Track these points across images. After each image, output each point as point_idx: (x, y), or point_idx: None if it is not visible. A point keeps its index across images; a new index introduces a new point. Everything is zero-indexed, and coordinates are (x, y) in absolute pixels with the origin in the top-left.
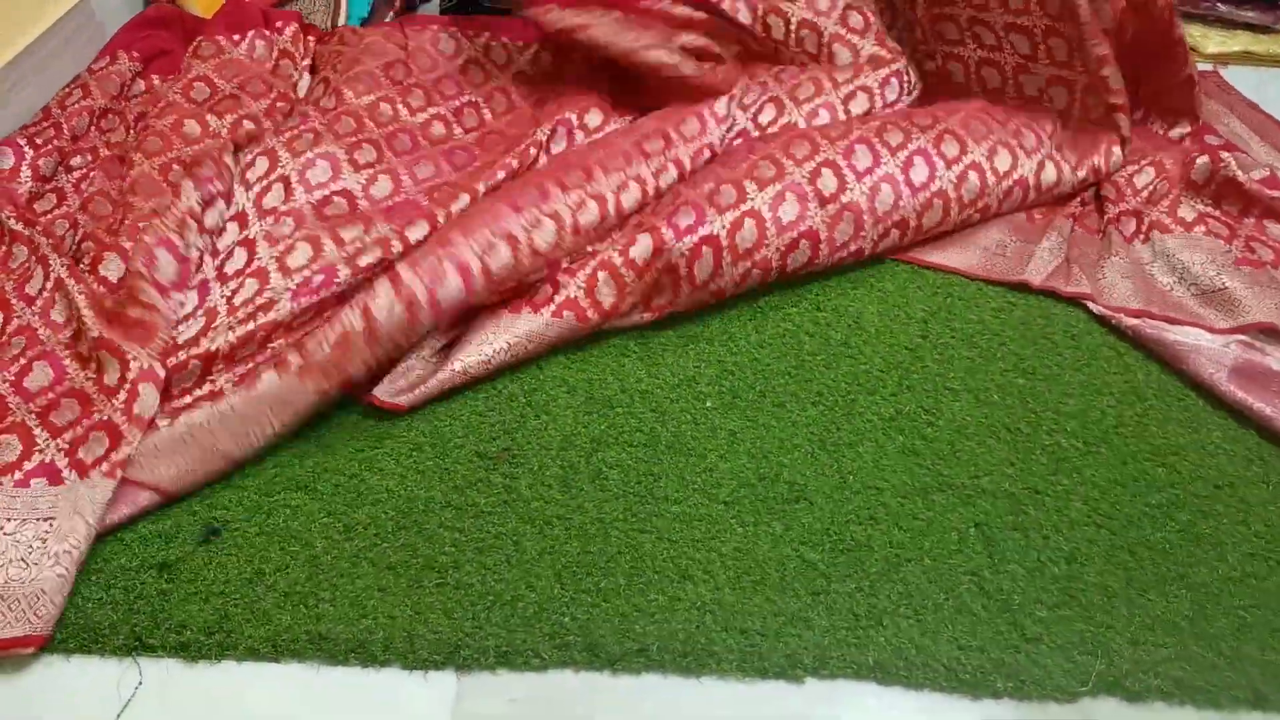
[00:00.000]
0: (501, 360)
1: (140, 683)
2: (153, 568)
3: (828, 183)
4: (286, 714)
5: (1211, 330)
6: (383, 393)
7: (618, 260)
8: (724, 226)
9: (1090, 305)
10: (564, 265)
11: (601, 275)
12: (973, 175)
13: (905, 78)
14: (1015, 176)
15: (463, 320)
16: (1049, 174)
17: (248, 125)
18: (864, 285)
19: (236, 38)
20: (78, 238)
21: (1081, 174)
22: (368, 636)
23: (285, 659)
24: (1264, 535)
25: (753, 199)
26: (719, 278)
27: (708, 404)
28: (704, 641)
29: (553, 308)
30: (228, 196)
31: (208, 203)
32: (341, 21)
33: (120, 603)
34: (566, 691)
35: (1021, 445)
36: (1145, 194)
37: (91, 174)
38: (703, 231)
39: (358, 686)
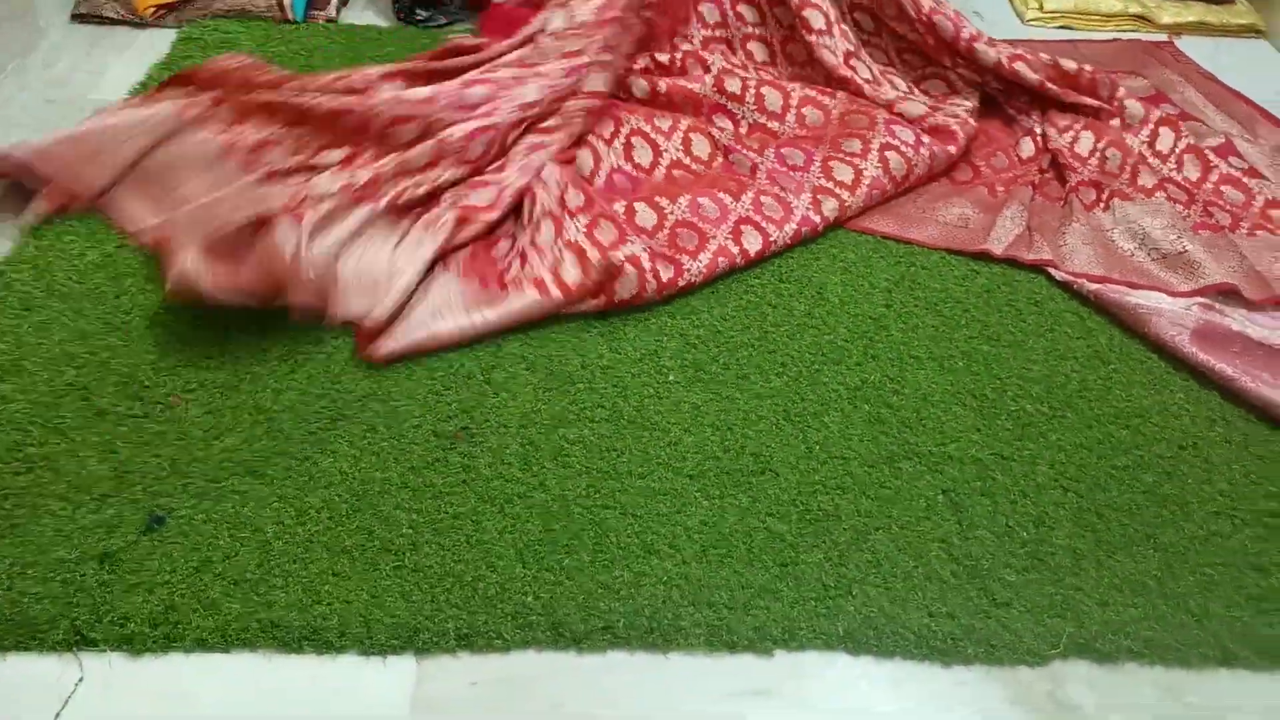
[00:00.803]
0: (477, 333)
1: (81, 678)
2: (94, 559)
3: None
4: (238, 706)
5: (1173, 293)
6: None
7: (584, 242)
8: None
9: (1052, 272)
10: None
11: (568, 256)
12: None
13: None
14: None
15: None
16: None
17: None
18: (827, 256)
19: None
20: None
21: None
22: (322, 623)
23: (235, 649)
24: (1227, 494)
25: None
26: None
27: (670, 378)
28: (671, 617)
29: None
30: None
31: None
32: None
33: (59, 596)
34: (530, 672)
35: (987, 411)
36: (1096, 161)
37: None
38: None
39: (313, 675)
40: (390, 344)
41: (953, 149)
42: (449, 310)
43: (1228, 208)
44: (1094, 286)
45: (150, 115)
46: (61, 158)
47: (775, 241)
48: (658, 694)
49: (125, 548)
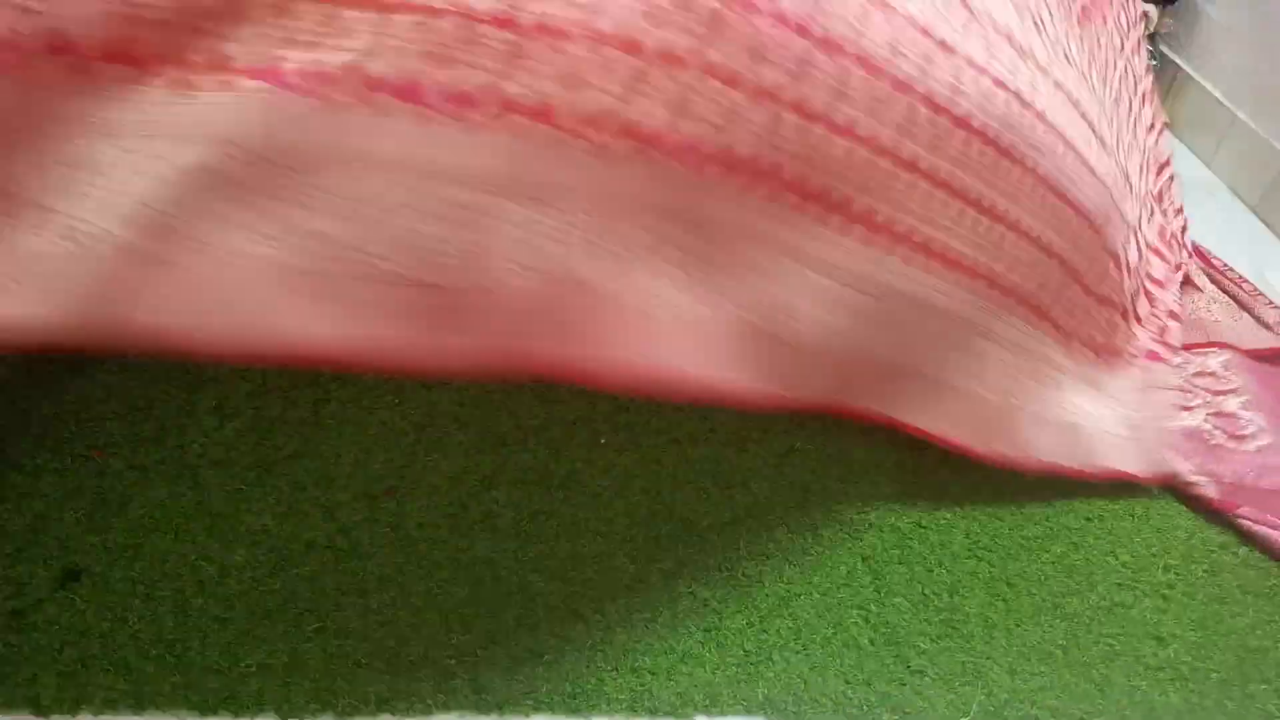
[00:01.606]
0: None
1: None
2: (1, 617)
3: None
4: None
5: None
6: None
7: None
8: None
9: None
10: None
11: None
12: None
13: None
14: None
15: None
16: None
17: None
18: None
19: None
20: None
21: None
22: (240, 686)
23: (148, 712)
24: (1130, 565)
25: None
26: None
27: (602, 440)
28: (594, 682)
29: None
30: None
31: None
32: None
33: None
34: None
35: (907, 480)
36: None
37: None
38: None
39: None
40: None
41: None
42: None
43: None
44: None
45: None
46: None
47: None
48: None
49: (35, 605)
